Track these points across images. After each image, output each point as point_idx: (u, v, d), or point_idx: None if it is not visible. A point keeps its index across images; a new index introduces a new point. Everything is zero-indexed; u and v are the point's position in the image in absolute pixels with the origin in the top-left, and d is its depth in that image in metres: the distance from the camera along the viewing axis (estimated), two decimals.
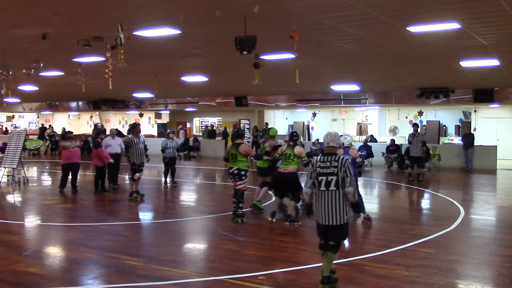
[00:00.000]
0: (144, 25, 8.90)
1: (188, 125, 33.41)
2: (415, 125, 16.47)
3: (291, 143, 10.07)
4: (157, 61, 13.20)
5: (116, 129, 15.35)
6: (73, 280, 6.49)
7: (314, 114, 31.75)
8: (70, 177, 13.76)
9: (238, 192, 9.90)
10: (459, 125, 27.49)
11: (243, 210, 10.04)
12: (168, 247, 8.06)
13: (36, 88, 20.43)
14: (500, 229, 9.89)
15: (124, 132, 29.95)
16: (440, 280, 6.39)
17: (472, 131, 24.13)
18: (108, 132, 15.25)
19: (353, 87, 19.40)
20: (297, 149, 9.92)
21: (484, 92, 19.04)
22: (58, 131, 32.27)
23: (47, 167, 22.27)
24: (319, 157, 5.92)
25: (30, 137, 30.38)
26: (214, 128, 31.04)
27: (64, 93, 24.24)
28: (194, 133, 33.32)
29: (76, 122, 39.95)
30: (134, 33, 9.09)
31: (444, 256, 7.37)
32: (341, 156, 5.91)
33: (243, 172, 9.86)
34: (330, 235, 5.84)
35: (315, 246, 8.18)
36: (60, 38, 9.86)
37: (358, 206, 9.63)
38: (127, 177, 15.79)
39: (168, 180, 14.92)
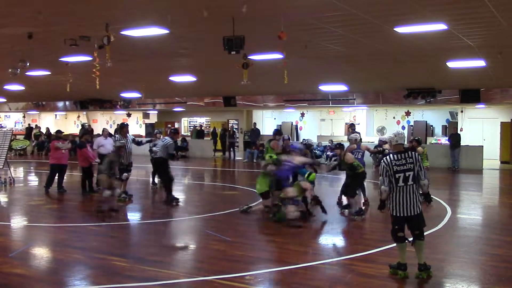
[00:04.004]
0: (132, 25, 8.86)
1: (176, 125, 33.32)
2: (352, 125, 18.09)
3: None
4: (145, 61, 13.16)
5: (105, 128, 15.27)
6: (60, 281, 6.44)
7: (303, 114, 31.83)
8: (56, 177, 13.64)
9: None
10: (446, 125, 27.71)
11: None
12: (156, 248, 8.03)
13: (22, 88, 20.25)
14: (486, 228, 9.99)
15: (112, 132, 29.80)
16: (428, 279, 6.42)
17: (458, 131, 24.35)
18: (96, 133, 15.16)
19: (341, 87, 19.47)
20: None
21: (471, 93, 19.21)
22: (45, 131, 32.04)
23: (34, 167, 22.08)
24: (391, 155, 6.45)
25: (17, 137, 30.13)
26: (203, 128, 30.99)
27: (51, 93, 24.06)
28: (183, 133, 33.23)
29: (63, 122, 39.61)
30: (121, 32, 9.05)
31: (431, 255, 7.40)
32: (413, 153, 6.53)
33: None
34: (412, 225, 6.45)
35: (303, 246, 8.24)
36: (47, 38, 9.79)
37: (429, 195, 10.34)
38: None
39: (157, 180, 14.88)
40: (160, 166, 12.35)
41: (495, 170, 21.37)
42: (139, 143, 13.69)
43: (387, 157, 6.52)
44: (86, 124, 33.46)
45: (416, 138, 13.20)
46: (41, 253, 7.94)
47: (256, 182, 10.66)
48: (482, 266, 7.19)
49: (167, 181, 12.08)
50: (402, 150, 6.54)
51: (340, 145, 11.42)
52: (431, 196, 11.57)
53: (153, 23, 8.78)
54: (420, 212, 6.45)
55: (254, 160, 24.61)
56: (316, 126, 31.30)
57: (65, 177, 13.94)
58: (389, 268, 6.63)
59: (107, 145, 13.86)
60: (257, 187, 10.51)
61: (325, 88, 19.92)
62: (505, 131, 23.79)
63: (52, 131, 31.06)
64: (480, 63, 12.59)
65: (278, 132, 12.11)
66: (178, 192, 14.67)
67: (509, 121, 23.76)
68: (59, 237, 8.87)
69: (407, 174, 6.32)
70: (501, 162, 23.76)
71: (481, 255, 7.76)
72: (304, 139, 13.30)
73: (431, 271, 6.50)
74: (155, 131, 16.12)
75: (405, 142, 10.05)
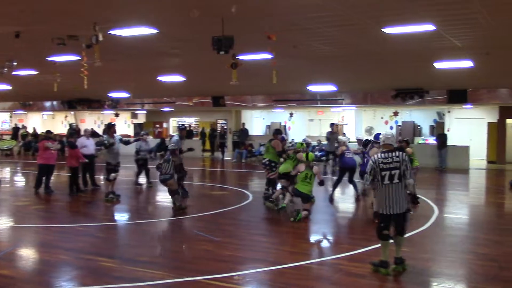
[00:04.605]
0: (121, 24, 8.81)
1: (164, 125, 33.22)
2: (332, 125, 19.39)
3: None
4: (133, 61, 13.09)
5: (92, 128, 15.24)
6: (47, 282, 6.39)
7: (291, 114, 31.86)
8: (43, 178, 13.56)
9: (271, 180, 11.64)
10: (433, 126, 27.91)
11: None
12: (143, 248, 8.00)
13: (9, 87, 20.05)
14: (473, 227, 10.09)
15: (100, 132, 29.67)
16: (415, 278, 6.47)
17: (445, 132, 24.53)
18: (82, 133, 15.13)
19: (329, 88, 19.52)
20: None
21: (458, 93, 19.36)
22: (32, 131, 31.78)
23: (20, 168, 21.89)
24: (379, 154, 6.62)
25: (4, 137, 29.86)
26: (191, 128, 30.91)
27: (38, 93, 23.85)
28: (171, 133, 33.13)
29: (50, 122, 39.29)
30: (110, 32, 9.00)
31: (419, 255, 7.47)
32: (401, 153, 6.64)
33: (273, 164, 11.56)
34: (396, 222, 6.58)
35: (291, 246, 8.26)
36: (34, 37, 9.70)
37: (416, 197, 10.93)
38: (102, 177, 15.64)
39: (144, 181, 14.92)
40: None
41: (481, 170, 21.56)
42: (126, 143, 13.75)
43: (375, 155, 6.69)
44: (74, 124, 33.22)
45: (405, 139, 13.41)
46: (28, 254, 7.88)
47: (283, 163, 11.28)
48: (468, 265, 7.25)
49: (182, 176, 12.45)
50: (391, 149, 6.66)
51: (369, 141, 12.20)
52: (418, 197, 11.78)
53: (142, 22, 8.74)
54: (405, 211, 6.59)
55: (243, 160, 24.61)
56: (304, 126, 31.37)
57: (52, 178, 13.85)
58: (371, 265, 6.70)
59: (90, 146, 13.87)
60: (283, 167, 11.12)
61: (313, 88, 19.96)
62: (491, 132, 24.01)
63: (39, 131, 30.85)
64: (467, 63, 12.68)
65: (278, 131, 12.43)
66: (166, 193, 14.62)
67: (496, 121, 23.98)
68: (46, 238, 8.81)
69: (392, 172, 6.47)
70: (488, 162, 23.98)
71: (468, 254, 7.83)
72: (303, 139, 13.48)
73: (405, 264, 6.62)
74: (142, 132, 16.18)
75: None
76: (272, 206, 11.09)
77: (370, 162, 6.68)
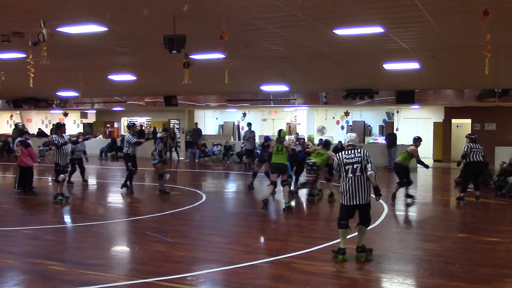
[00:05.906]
0: (69, 21, 8.60)
1: (116, 125, 32.58)
2: (249, 124, 20.22)
3: None
4: (82, 59, 12.80)
5: (39, 128, 14.90)
6: None
7: (244, 114, 31.94)
8: None
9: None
10: (382, 125, 28.61)
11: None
12: (94, 251, 7.83)
13: None
14: (420, 224, 10.40)
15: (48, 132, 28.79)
16: (366, 275, 6.62)
17: (394, 131, 25.20)
18: (32, 133, 14.77)
19: (282, 88, 19.68)
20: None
21: (406, 94, 19.91)
22: None
23: None
24: (343, 152, 7.31)
25: None
26: (143, 128, 30.46)
27: None
28: (122, 133, 32.52)
29: None
30: (58, 29, 8.76)
31: None
32: (363, 149, 7.29)
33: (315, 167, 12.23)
34: (361, 212, 7.20)
35: (245, 245, 8.27)
36: None
37: (378, 190, 10.96)
38: (50, 178, 15.19)
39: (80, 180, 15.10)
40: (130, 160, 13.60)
41: (428, 169, 22.20)
42: (75, 142, 13.58)
43: (339, 153, 7.34)
44: (20, 124, 32.09)
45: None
46: None
47: (313, 157, 12.40)
48: (416, 260, 7.46)
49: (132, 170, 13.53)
50: (354, 148, 7.32)
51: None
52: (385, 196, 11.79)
53: (91, 20, 8.55)
54: (369, 202, 7.20)
55: (196, 160, 24.48)
56: (258, 126, 31.48)
57: None
58: (332, 252, 7.22)
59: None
60: (320, 159, 12.26)
61: (266, 88, 20.08)
62: (437, 131, 24.83)
63: None
64: (414, 65, 13.08)
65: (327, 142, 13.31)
66: (117, 194, 14.39)
67: (441, 121, 24.81)
68: None
69: (355, 166, 7.10)
70: (434, 161, 24.76)
71: (415, 250, 8.06)
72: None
73: (370, 253, 7.13)
74: (78, 133, 17.38)
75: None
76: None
77: (335, 159, 7.31)
